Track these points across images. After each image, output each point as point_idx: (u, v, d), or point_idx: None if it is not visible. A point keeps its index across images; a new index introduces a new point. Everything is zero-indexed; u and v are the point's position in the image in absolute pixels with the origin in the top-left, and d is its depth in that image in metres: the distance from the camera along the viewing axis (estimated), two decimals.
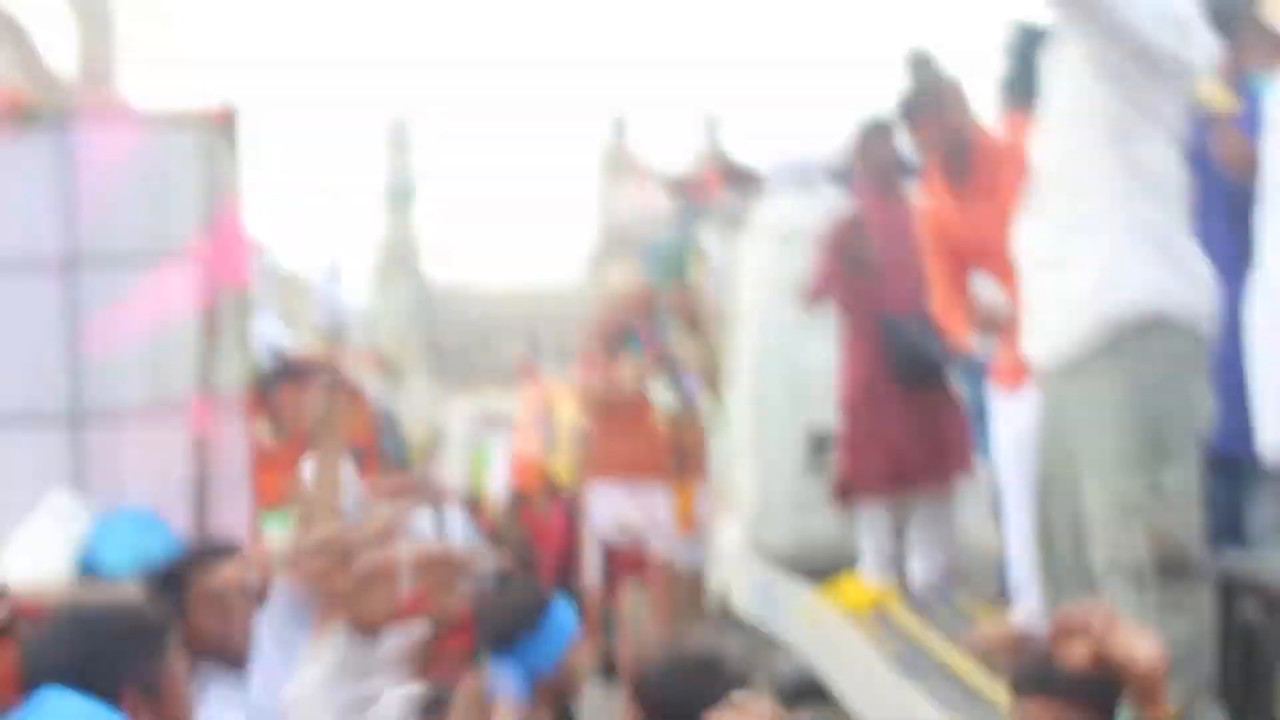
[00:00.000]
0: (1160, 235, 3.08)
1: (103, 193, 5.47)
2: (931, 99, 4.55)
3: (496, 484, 12.90)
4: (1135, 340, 3.03)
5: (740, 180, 7.65)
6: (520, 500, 11.70)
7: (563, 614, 3.29)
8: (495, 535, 9.83)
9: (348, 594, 2.23)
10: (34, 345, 5.41)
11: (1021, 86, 4.18)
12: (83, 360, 5.40)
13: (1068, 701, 1.97)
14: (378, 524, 2.80)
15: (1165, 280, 3.04)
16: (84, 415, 5.41)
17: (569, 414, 10.09)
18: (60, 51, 6.93)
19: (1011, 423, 4.10)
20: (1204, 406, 3.12)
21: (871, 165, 5.48)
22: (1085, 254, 3.13)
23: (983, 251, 4.25)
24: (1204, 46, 3.18)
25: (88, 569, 4.42)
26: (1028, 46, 4.07)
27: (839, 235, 5.36)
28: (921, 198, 5.00)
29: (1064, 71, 3.25)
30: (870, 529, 5.35)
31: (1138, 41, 2.97)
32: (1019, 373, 3.83)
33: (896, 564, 5.58)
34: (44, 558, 4.55)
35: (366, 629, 2.18)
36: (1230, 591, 3.44)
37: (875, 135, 5.41)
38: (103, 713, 2.23)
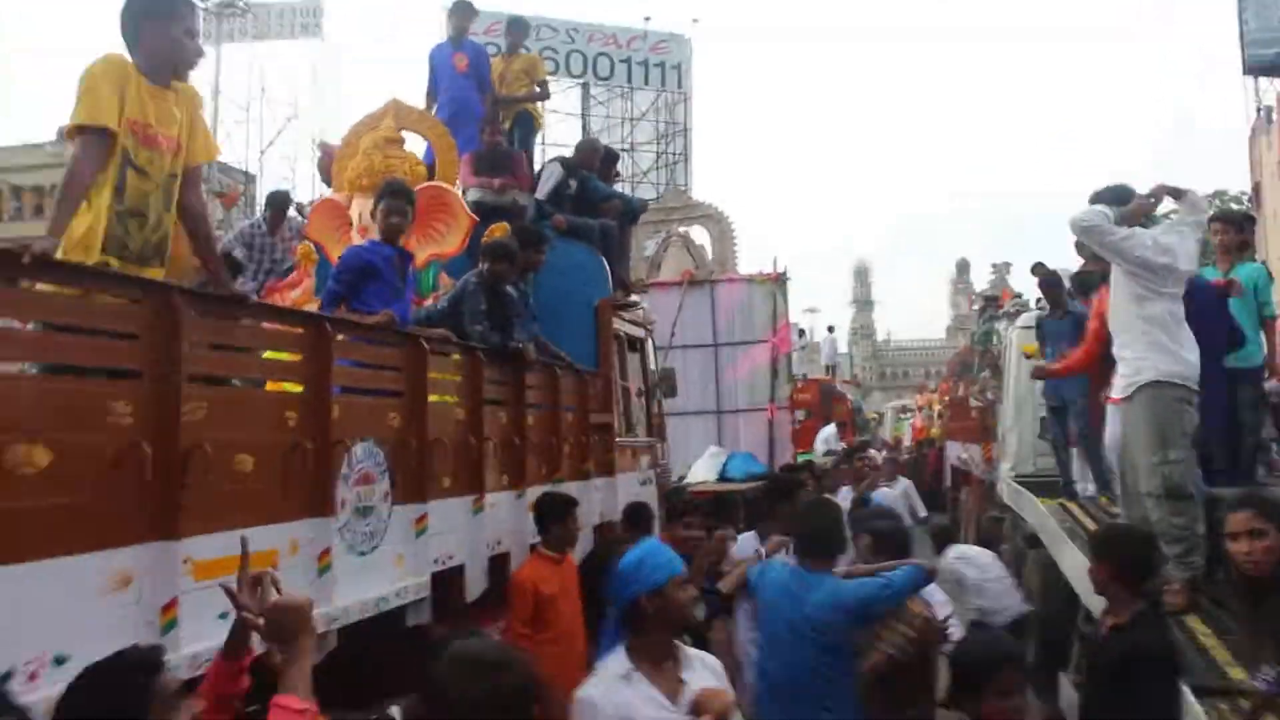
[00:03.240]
0: (1159, 342, 5.35)
1: (729, 312, 12.24)
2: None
3: (907, 438, 22.48)
4: (1150, 390, 5.32)
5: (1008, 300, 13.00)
6: (917, 445, 22.99)
7: None
8: (909, 460, 18.37)
9: None
10: (701, 381, 12.19)
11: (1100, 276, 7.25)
12: (722, 386, 12.15)
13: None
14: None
15: (1162, 364, 5.30)
16: (722, 412, 12.12)
17: (938, 407, 16.15)
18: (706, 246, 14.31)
19: (1110, 424, 6.51)
20: (1190, 419, 5.31)
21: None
22: (1126, 353, 5.46)
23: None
24: (1179, 252, 5.75)
25: (723, 477, 10.77)
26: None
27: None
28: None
29: (1115, 269, 5.58)
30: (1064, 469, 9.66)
31: (1136, 260, 5.38)
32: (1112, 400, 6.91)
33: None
34: (709, 472, 11.06)
35: None
36: (1210, 505, 5.38)
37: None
38: None
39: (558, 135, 25.40)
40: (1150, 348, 5.37)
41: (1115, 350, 5.77)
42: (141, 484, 2.80)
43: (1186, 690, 4.03)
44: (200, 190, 3.74)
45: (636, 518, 6.60)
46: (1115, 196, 5.59)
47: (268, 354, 3.65)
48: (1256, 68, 34.75)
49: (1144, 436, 5.36)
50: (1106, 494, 8.15)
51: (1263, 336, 7.47)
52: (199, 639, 2.91)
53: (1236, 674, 4.30)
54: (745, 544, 6.31)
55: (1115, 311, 5.69)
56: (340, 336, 3.89)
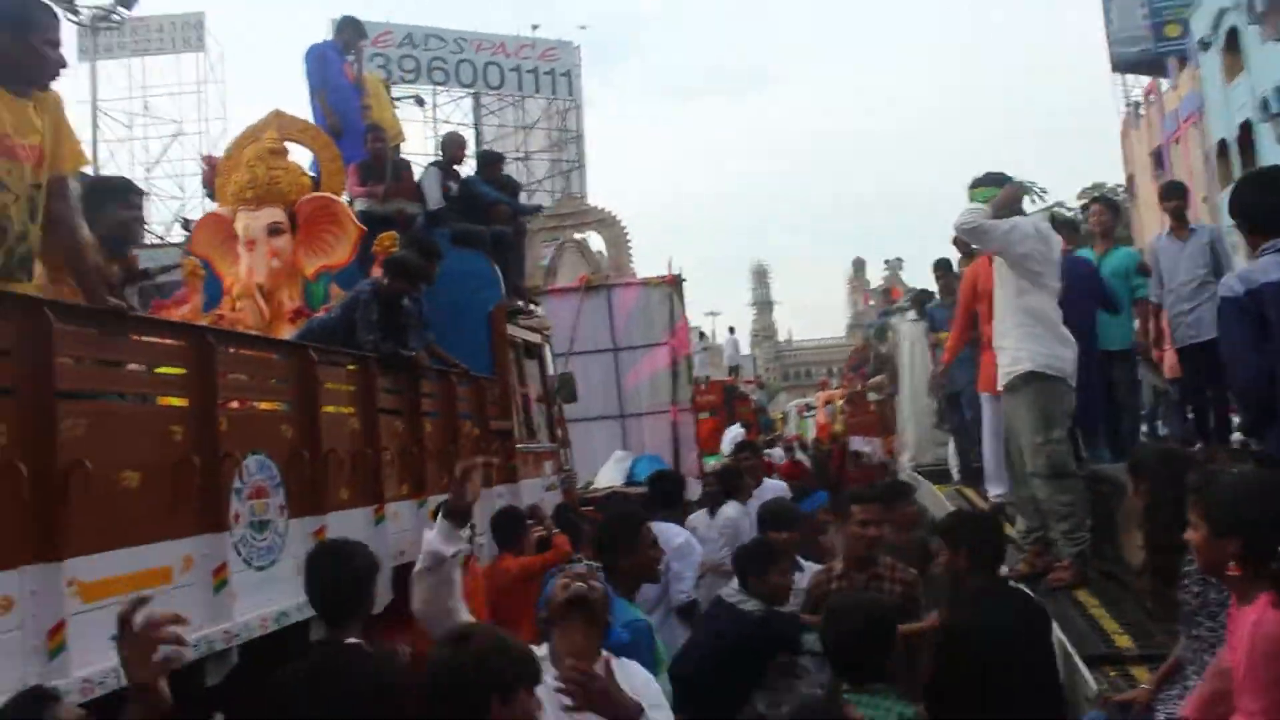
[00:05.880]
0: (1037, 334, 5.61)
1: (626, 316, 12.27)
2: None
3: (810, 434, 24.47)
4: (1028, 380, 5.60)
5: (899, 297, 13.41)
6: (819, 441, 23.28)
7: None
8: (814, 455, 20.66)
9: None
10: (603, 386, 12.17)
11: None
12: (624, 390, 12.16)
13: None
14: None
15: (1039, 355, 5.57)
16: (625, 416, 12.14)
17: (839, 404, 16.67)
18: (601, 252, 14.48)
19: (991, 410, 7.04)
20: (1069, 401, 5.71)
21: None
22: (1006, 343, 5.70)
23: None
24: (1053, 240, 6.11)
25: (630, 481, 10.76)
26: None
27: None
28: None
29: (999, 261, 5.80)
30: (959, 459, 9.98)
31: (1018, 253, 5.64)
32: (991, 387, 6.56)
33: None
34: (614, 477, 11.01)
35: None
36: (1094, 481, 6.08)
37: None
38: None
39: None
40: (1027, 339, 5.58)
41: (995, 340, 5.96)
42: (19, 505, 2.70)
43: (1077, 658, 4.22)
44: (69, 200, 3.60)
45: (506, 529, 5.84)
46: (993, 180, 5.81)
47: (155, 369, 3.56)
48: (1122, 64, 36.58)
49: (1026, 420, 5.57)
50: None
51: (1134, 319, 7.83)
52: (89, 663, 2.81)
53: (1123, 642, 4.53)
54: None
55: (997, 301, 5.87)
56: (227, 349, 3.82)
